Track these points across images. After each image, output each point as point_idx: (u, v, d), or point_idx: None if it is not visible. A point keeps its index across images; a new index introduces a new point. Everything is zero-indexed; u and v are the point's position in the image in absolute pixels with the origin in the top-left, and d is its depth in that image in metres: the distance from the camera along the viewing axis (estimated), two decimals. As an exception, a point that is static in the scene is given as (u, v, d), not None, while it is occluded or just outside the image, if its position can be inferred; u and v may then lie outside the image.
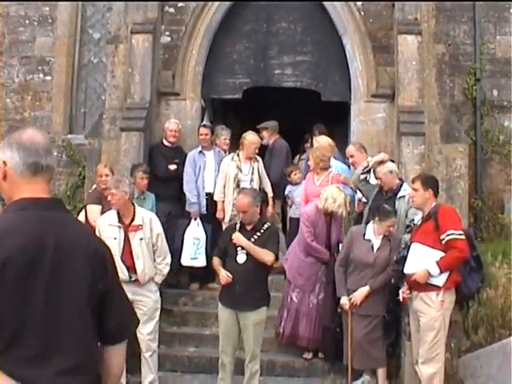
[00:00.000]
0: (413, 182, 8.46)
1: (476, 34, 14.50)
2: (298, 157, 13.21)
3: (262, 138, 11.85)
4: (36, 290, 3.08)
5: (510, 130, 14.39)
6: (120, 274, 8.30)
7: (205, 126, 11.99)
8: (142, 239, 8.64)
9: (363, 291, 8.80)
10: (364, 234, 8.99)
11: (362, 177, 9.78)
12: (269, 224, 8.60)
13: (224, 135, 11.91)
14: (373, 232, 8.93)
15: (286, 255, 10.23)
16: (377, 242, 8.88)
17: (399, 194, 9.45)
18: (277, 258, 8.58)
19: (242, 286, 8.10)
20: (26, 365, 3.03)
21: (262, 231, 8.32)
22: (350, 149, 10.56)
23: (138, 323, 3.70)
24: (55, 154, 14.46)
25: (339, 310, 9.18)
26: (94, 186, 10.56)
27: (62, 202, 3.44)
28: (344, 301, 8.89)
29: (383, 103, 12.03)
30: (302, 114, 14.31)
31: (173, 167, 11.37)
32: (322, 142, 11.11)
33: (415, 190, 8.25)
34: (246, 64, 12.67)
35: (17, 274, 3.03)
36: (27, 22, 15.41)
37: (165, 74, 12.32)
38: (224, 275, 8.16)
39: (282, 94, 14.21)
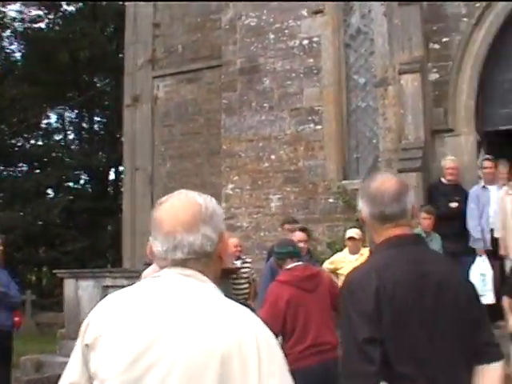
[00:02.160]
0: None
1: None
2: None
3: None
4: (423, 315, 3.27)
5: None
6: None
7: (488, 159, 11.70)
8: None
9: None
10: None
11: None
12: None
13: (501, 168, 11.54)
14: None
15: None
16: None
17: None
18: None
19: None
20: None
21: None
22: None
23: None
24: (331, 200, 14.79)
25: None
26: None
27: (422, 237, 3.70)
28: None
29: None
30: None
31: (454, 205, 11.22)
32: None
33: None
34: (518, 93, 12.28)
35: (402, 299, 3.24)
36: (293, 75, 15.87)
37: (436, 111, 12.27)
38: None
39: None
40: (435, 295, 3.28)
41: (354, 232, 10.66)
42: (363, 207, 3.51)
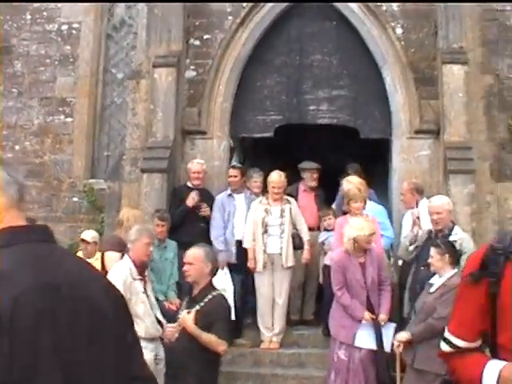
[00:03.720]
0: None
1: (520, 67, 13.59)
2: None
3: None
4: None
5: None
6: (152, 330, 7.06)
7: (234, 166, 11.20)
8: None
9: (403, 335, 7.89)
10: None
11: (411, 248, 8.81)
12: (215, 295, 7.06)
13: (255, 178, 11.07)
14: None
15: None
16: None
17: (450, 238, 8.46)
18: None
19: None
20: None
21: (205, 301, 6.91)
22: (403, 186, 9.77)
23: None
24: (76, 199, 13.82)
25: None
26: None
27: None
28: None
29: (427, 139, 11.07)
30: (340, 153, 13.36)
31: (193, 197, 10.43)
32: (353, 181, 10.17)
33: None
34: (278, 99, 11.78)
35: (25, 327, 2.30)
36: (48, 61, 14.70)
37: (190, 111, 11.48)
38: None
39: (317, 132, 13.27)
40: (71, 316, 2.40)
41: (88, 234, 10.12)
42: None
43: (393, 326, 8.59)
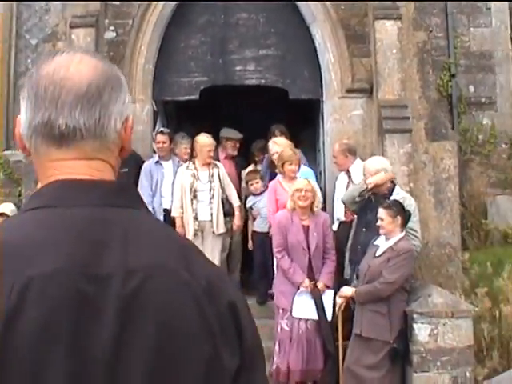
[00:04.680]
0: None
1: (448, 26, 13.41)
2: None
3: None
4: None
5: (488, 128, 13.22)
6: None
7: (162, 132, 10.63)
8: None
9: (348, 289, 7.62)
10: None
11: (358, 199, 8.36)
12: None
13: (184, 144, 10.57)
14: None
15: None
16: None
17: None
18: None
19: None
20: None
21: None
22: (334, 148, 9.43)
23: None
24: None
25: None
26: None
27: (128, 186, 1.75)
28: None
29: (360, 99, 10.70)
30: (268, 115, 12.92)
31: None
32: (281, 143, 9.82)
33: None
34: (203, 60, 11.22)
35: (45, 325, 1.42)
36: (-44, 25, 13.93)
37: (110, 74, 10.80)
38: None
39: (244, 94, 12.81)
40: (118, 323, 1.45)
41: (7, 207, 9.61)
42: (22, 114, 1.66)
43: (331, 292, 8.22)
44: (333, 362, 7.95)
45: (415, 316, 7.36)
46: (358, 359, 7.37)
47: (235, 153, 11.29)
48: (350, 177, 9.38)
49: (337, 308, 7.81)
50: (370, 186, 8.17)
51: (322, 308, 8.12)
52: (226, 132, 11.30)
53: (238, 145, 11.30)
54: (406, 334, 7.41)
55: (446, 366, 7.26)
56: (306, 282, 8.13)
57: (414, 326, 7.36)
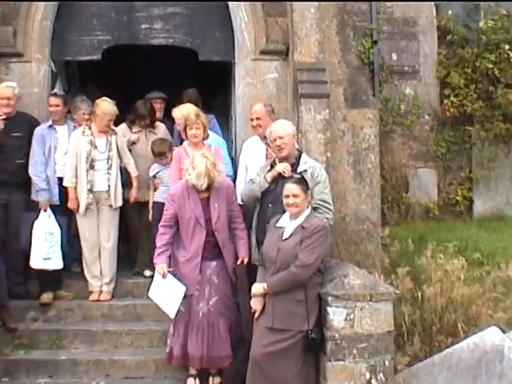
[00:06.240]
0: None
1: (370, -10, 12.76)
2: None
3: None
4: None
5: (411, 98, 12.69)
6: None
7: (55, 94, 9.88)
8: None
9: (258, 287, 6.84)
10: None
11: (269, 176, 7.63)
12: None
13: (83, 109, 9.81)
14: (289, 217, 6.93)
15: None
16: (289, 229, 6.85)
17: (299, 169, 7.52)
18: None
19: None
20: None
21: None
22: (258, 109, 8.82)
23: None
24: None
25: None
26: None
27: None
28: None
29: (275, 61, 10.03)
30: (177, 79, 12.17)
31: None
32: (187, 108, 9.20)
33: None
34: (107, 18, 10.35)
35: None
36: None
37: (3, 30, 9.96)
38: None
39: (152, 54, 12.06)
40: None
41: None
42: None
43: (183, 289, 7.52)
44: (247, 350, 7.20)
45: (330, 299, 6.68)
46: (266, 350, 6.67)
47: (159, 115, 10.70)
48: (267, 143, 8.55)
49: (252, 305, 7.02)
50: (275, 175, 7.57)
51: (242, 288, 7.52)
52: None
53: (159, 106, 10.80)
54: (321, 320, 6.77)
55: (363, 354, 6.65)
56: (159, 268, 7.56)
57: (329, 309, 6.68)
